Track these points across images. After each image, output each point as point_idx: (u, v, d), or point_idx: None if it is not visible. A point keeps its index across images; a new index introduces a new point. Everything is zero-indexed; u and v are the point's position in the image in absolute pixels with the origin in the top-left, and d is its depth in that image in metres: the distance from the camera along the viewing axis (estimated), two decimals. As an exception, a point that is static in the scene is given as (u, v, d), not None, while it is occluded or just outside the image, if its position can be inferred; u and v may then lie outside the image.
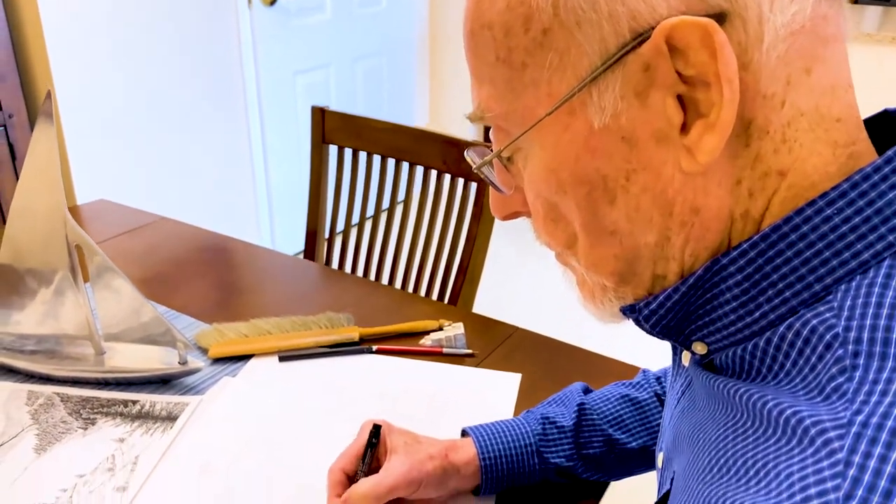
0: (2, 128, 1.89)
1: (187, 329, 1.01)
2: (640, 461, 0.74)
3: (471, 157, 0.46)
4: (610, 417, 0.73)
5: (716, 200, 0.37)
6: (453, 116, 3.38)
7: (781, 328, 0.36)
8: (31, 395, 0.89)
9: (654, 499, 0.53)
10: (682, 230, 0.38)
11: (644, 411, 0.74)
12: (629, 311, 0.43)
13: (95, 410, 0.86)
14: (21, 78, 1.91)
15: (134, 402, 0.87)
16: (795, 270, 0.36)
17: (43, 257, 0.89)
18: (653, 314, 0.41)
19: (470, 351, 0.97)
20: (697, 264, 0.39)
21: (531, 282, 2.72)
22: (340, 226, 1.46)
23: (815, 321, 0.35)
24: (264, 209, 2.67)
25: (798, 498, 0.30)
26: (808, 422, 0.32)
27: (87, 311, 0.91)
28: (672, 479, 0.44)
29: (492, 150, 0.43)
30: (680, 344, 0.43)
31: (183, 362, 0.90)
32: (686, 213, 0.38)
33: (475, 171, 0.44)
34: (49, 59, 1.89)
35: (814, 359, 0.34)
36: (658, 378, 0.77)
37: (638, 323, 0.43)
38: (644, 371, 0.79)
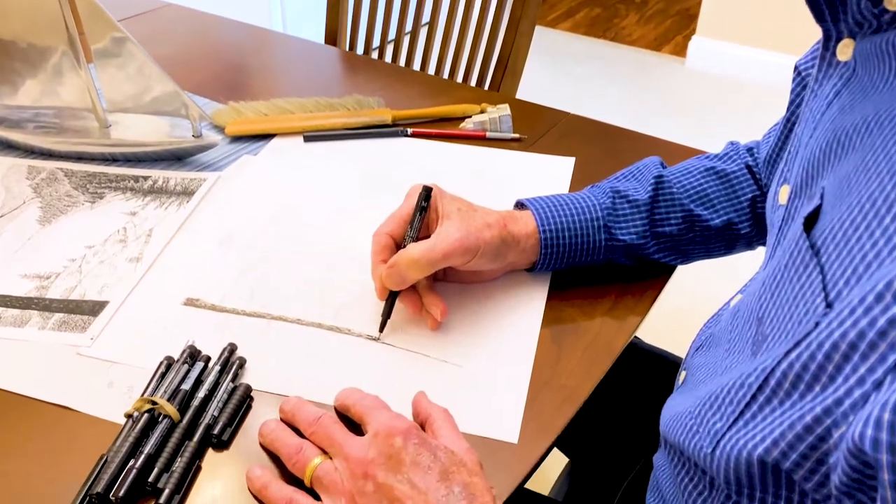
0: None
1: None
2: (720, 240, 0.65)
3: None
4: (692, 192, 0.64)
5: None
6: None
7: None
8: (32, 169, 0.80)
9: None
10: None
11: (732, 184, 0.64)
12: None
13: (103, 185, 0.77)
14: None
15: (145, 178, 0.78)
16: None
17: (29, 17, 0.76)
18: None
19: (517, 135, 0.87)
20: None
21: (574, 91, 2.55)
22: (364, 16, 1.29)
23: None
24: (276, 8, 2.47)
25: None
26: None
27: (87, 79, 0.80)
28: (822, 195, 0.35)
29: None
30: None
31: (197, 135, 0.80)
32: None
33: None
34: None
35: None
36: (750, 149, 0.66)
37: None
38: (732, 142, 0.68)
